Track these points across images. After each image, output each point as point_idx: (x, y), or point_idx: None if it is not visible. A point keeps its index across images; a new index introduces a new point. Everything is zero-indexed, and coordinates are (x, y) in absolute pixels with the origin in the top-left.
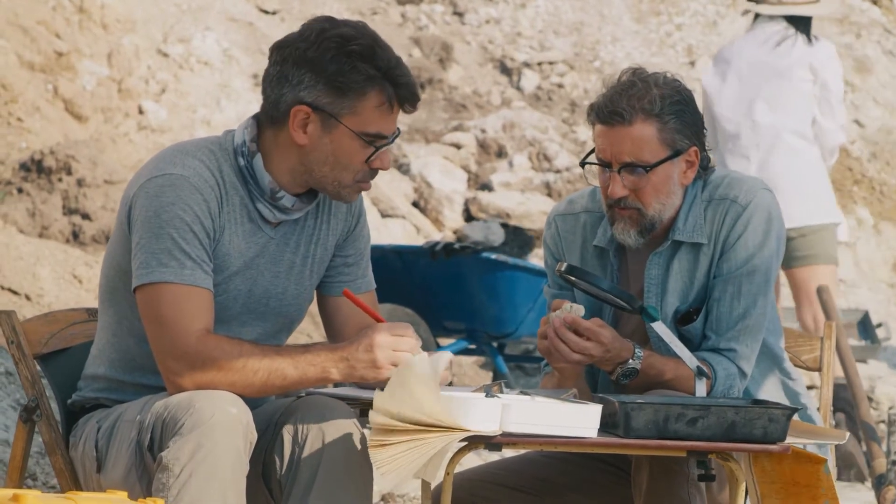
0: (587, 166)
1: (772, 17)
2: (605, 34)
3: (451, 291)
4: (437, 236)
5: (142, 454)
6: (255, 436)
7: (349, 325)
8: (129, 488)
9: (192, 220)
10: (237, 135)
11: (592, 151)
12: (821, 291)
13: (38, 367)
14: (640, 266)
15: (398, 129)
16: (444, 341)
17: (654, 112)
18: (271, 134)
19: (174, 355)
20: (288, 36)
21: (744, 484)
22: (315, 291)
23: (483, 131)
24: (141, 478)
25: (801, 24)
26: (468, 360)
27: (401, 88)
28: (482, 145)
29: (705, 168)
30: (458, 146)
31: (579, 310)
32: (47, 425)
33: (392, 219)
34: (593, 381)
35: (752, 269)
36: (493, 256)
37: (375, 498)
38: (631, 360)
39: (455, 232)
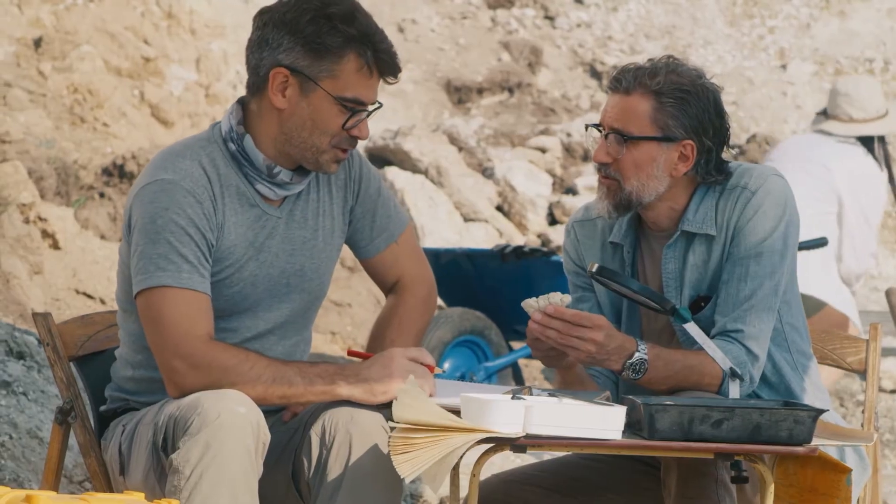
0: (590, 131)
1: (840, 139)
2: (697, 37)
3: (521, 294)
4: (520, 240)
5: (158, 455)
6: (267, 436)
7: (395, 272)
8: (149, 489)
9: (186, 223)
10: (223, 123)
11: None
12: (889, 294)
13: (74, 370)
14: (655, 261)
15: (379, 102)
16: (515, 345)
17: (652, 89)
18: (255, 106)
19: (179, 356)
20: (273, 3)
21: (772, 486)
22: (359, 260)
23: (569, 135)
24: (159, 479)
25: (867, 142)
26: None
27: (381, 54)
28: (567, 149)
29: (719, 171)
30: (543, 150)
31: (566, 298)
32: (82, 427)
33: (475, 223)
34: (615, 387)
35: (760, 252)
36: None
37: (434, 501)
38: (637, 352)
39: (539, 236)
